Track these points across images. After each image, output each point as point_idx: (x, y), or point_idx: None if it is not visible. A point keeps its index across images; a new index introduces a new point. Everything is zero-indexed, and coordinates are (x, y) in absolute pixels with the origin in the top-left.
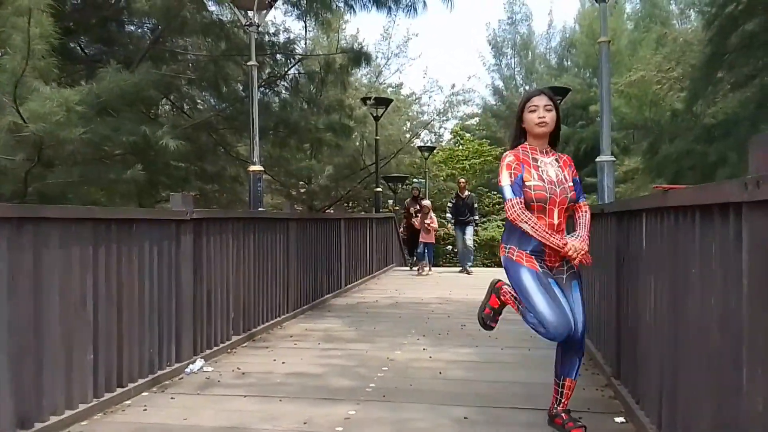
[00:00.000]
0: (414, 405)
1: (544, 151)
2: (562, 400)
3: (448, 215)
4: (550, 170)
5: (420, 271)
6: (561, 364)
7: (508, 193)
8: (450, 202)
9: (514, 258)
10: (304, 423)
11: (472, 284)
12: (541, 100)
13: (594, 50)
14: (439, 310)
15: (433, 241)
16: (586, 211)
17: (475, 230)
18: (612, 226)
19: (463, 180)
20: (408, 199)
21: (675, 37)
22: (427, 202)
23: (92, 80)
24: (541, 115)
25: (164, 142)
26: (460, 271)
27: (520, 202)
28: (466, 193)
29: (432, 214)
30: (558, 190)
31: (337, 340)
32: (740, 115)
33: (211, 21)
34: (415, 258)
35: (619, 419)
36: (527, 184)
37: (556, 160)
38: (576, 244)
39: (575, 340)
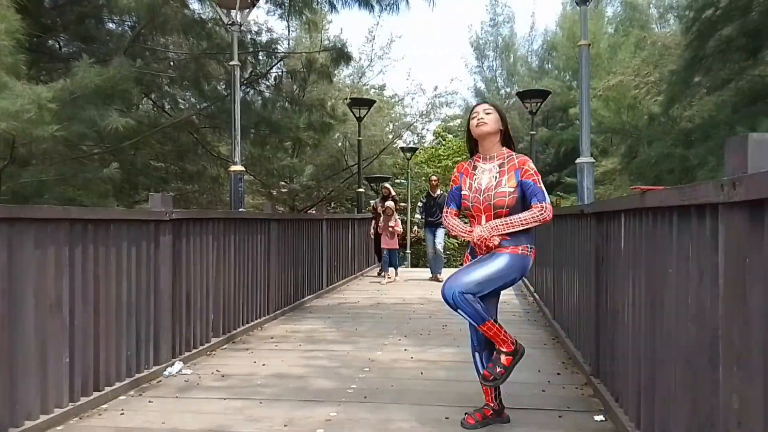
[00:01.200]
0: (395, 405)
1: (488, 157)
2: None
3: (418, 216)
4: (484, 178)
5: (385, 278)
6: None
7: (446, 202)
8: (421, 201)
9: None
10: (285, 425)
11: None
12: (480, 107)
13: (574, 53)
14: (420, 310)
15: (398, 246)
16: (530, 209)
17: (448, 233)
18: (591, 227)
19: (435, 178)
20: (377, 200)
21: (654, 41)
22: (390, 204)
23: (67, 77)
24: (480, 117)
25: (115, 125)
26: (431, 278)
27: (448, 211)
28: (438, 191)
29: (396, 216)
30: (481, 198)
31: (318, 342)
32: (717, 118)
33: (192, 19)
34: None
35: (599, 417)
36: (463, 193)
37: (501, 164)
38: (478, 230)
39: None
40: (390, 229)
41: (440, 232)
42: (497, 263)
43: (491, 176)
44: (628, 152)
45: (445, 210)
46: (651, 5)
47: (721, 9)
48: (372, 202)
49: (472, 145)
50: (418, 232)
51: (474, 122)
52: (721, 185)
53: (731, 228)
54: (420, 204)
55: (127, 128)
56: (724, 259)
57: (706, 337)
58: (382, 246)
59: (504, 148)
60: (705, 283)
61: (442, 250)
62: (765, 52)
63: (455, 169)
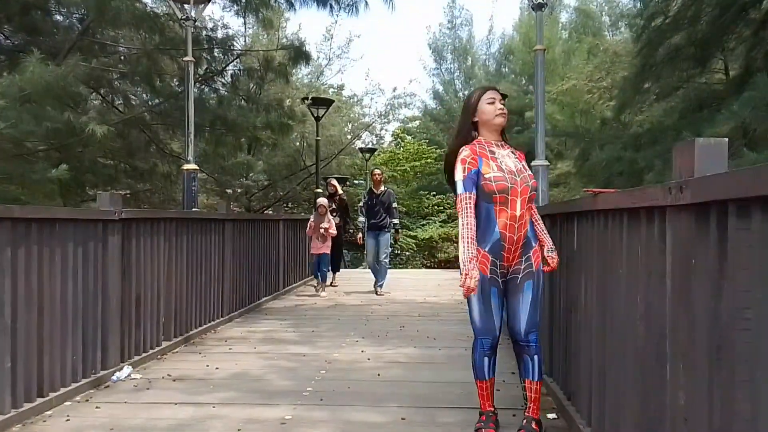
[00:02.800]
0: (352, 406)
1: (499, 144)
2: (529, 405)
3: (361, 218)
4: (509, 161)
5: (318, 289)
6: (519, 367)
7: (459, 188)
8: (362, 198)
9: None
10: (239, 429)
11: (413, 285)
12: (497, 94)
13: (530, 58)
14: (379, 311)
15: (329, 251)
16: (536, 213)
17: (394, 238)
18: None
19: (378, 171)
20: (320, 198)
21: (606, 49)
22: (323, 200)
23: (15, 71)
24: (500, 106)
25: (90, 129)
26: (377, 292)
27: (470, 197)
28: (383, 188)
29: (330, 216)
30: (518, 179)
31: (274, 343)
32: (665, 123)
33: (144, 13)
34: (322, 273)
35: (552, 415)
36: (486, 176)
37: (512, 152)
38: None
39: (520, 341)
40: (321, 230)
41: (384, 237)
42: (542, 280)
43: (514, 161)
44: (581, 155)
45: (463, 196)
46: (603, 13)
47: (670, 18)
48: (319, 200)
49: (470, 127)
50: (360, 239)
51: (494, 109)
52: (669, 188)
53: (678, 230)
54: (361, 203)
55: (76, 124)
56: (671, 260)
57: (654, 336)
58: (311, 251)
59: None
60: (653, 283)
61: (387, 262)
62: (712, 60)
63: (467, 151)
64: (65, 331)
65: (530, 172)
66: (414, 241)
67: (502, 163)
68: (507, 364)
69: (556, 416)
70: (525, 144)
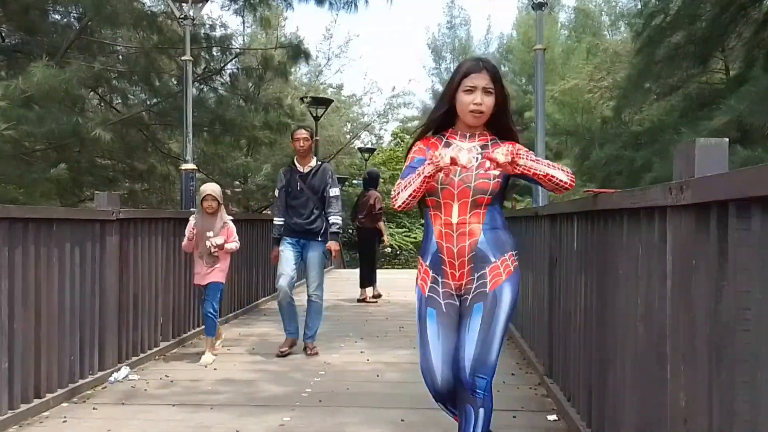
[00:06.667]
0: (350, 409)
1: (469, 135)
2: None
3: (277, 222)
4: (462, 155)
5: (209, 348)
6: (458, 412)
7: (402, 175)
8: (279, 182)
9: (417, 273)
10: (237, 431)
11: (412, 286)
12: (481, 80)
13: (529, 57)
14: (377, 312)
15: (223, 279)
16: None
17: (329, 251)
18: (545, 229)
19: (304, 133)
20: (208, 185)
21: (605, 48)
22: (211, 188)
23: (15, 72)
24: (477, 100)
25: (96, 133)
26: (282, 351)
27: (400, 184)
28: (313, 162)
29: (227, 218)
30: (456, 179)
31: (272, 345)
32: (665, 122)
33: (143, 12)
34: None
35: (552, 417)
36: None
37: (484, 146)
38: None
39: (462, 382)
40: (210, 245)
41: (314, 255)
42: (504, 305)
43: (471, 156)
44: (581, 154)
45: (397, 184)
46: (603, 12)
47: (670, 17)
48: (204, 188)
49: (446, 111)
50: (276, 257)
51: (468, 102)
52: (670, 189)
53: (679, 230)
54: (277, 189)
55: (83, 126)
56: (672, 260)
57: (654, 337)
58: (194, 282)
59: (487, 130)
60: (653, 283)
61: (321, 295)
62: (712, 60)
63: (418, 142)
64: (62, 332)
65: (491, 172)
66: (414, 241)
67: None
68: (507, 365)
69: (556, 417)
70: (524, 144)
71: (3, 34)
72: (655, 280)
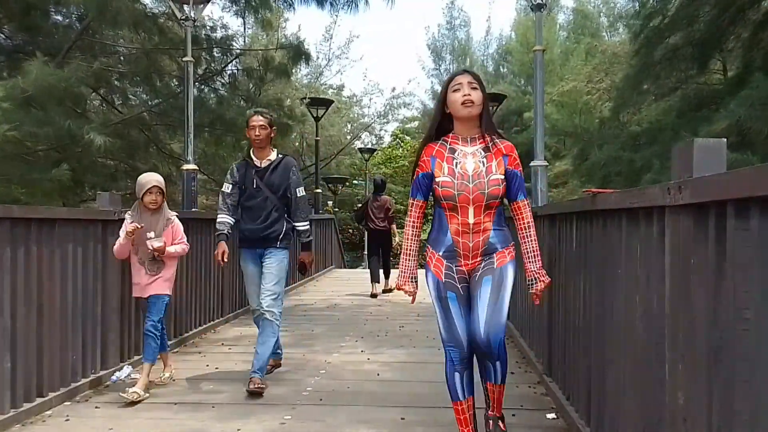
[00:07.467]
0: (350, 408)
1: (470, 138)
2: (492, 405)
3: (222, 219)
4: (469, 162)
5: (144, 377)
6: (480, 370)
7: (411, 192)
8: (228, 178)
9: (427, 261)
10: (238, 429)
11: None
12: (465, 78)
13: (528, 59)
14: (377, 311)
15: (168, 291)
16: (520, 209)
17: (303, 265)
18: (545, 229)
19: (260, 119)
20: (146, 174)
21: (604, 50)
22: (152, 177)
23: (16, 72)
24: (465, 92)
25: (90, 136)
26: (256, 388)
27: (414, 204)
28: (273, 155)
29: (175, 218)
30: (471, 186)
31: None
32: (663, 123)
33: (144, 13)
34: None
35: (551, 415)
36: (437, 180)
37: (486, 148)
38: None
39: (479, 343)
40: (151, 248)
41: (276, 264)
42: (509, 279)
43: (477, 161)
44: (580, 155)
45: (411, 201)
46: (601, 14)
47: (668, 18)
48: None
49: (442, 118)
50: (223, 261)
51: (458, 97)
52: (668, 189)
53: (677, 230)
54: (227, 186)
55: (76, 131)
56: (670, 260)
57: (653, 336)
58: (133, 294)
59: (484, 132)
60: (652, 283)
61: (279, 312)
62: (710, 61)
63: (422, 152)
64: (65, 331)
65: (497, 176)
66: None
67: (458, 166)
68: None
69: (555, 416)
70: (524, 144)
71: (5, 35)
72: (653, 280)
